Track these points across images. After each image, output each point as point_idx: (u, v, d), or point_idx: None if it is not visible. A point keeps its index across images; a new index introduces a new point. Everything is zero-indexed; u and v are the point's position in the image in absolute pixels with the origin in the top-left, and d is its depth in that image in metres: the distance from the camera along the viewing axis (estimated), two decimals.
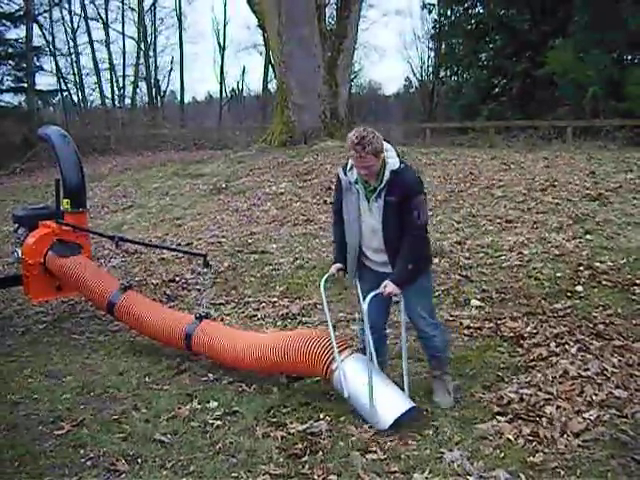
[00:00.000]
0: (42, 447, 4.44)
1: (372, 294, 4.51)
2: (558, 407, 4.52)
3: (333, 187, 4.97)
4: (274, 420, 4.66)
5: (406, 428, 4.38)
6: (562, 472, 3.82)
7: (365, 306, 4.50)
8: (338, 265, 4.86)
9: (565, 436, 4.20)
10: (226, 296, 7.48)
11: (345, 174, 4.63)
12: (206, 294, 6.52)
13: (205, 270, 6.62)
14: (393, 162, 4.46)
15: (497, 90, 28.16)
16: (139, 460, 4.20)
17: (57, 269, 6.73)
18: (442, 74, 35.97)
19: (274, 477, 3.94)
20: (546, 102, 24.37)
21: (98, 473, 4.08)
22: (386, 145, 4.48)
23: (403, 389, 4.58)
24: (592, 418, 4.36)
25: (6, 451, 4.38)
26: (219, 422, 4.65)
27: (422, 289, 4.74)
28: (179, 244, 9.64)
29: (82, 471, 4.11)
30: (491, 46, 29.10)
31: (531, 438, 4.20)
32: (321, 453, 4.18)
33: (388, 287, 4.49)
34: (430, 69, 40.17)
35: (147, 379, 5.52)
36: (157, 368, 5.70)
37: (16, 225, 7.39)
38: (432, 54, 39.37)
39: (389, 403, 4.45)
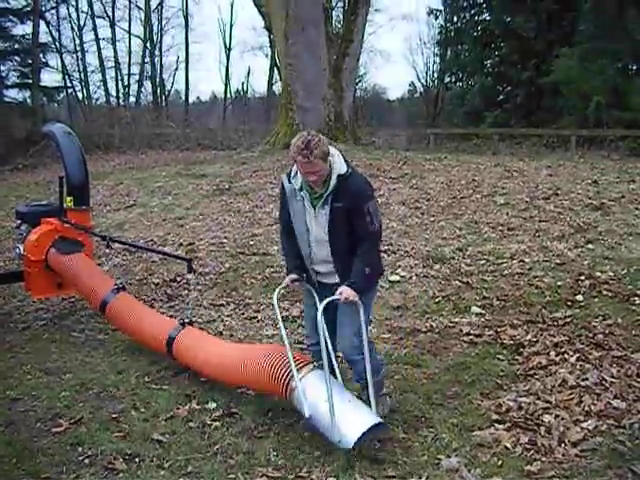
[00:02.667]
0: (40, 444, 4.45)
1: (327, 300, 4.27)
2: (556, 416, 4.52)
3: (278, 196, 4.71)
4: (273, 422, 4.66)
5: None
6: None
7: (319, 315, 4.22)
8: (293, 276, 4.55)
9: (563, 445, 4.19)
10: (227, 297, 7.48)
11: (290, 181, 4.40)
12: (191, 299, 6.38)
13: (190, 276, 6.44)
14: (339, 166, 4.25)
15: (502, 97, 28.19)
16: (137, 459, 4.21)
17: (57, 266, 6.74)
18: (447, 80, 35.98)
19: (271, 479, 3.95)
20: (550, 110, 24.40)
21: (96, 471, 4.08)
22: (332, 149, 4.27)
23: (370, 405, 4.29)
24: (590, 428, 4.36)
25: (4, 448, 4.38)
26: (217, 423, 4.65)
27: (364, 301, 4.37)
28: (181, 244, 9.64)
29: (80, 469, 4.11)
30: (497, 53, 29.16)
31: (529, 446, 4.20)
32: (319, 455, 4.18)
33: (344, 292, 4.22)
34: (435, 75, 40.28)
35: (146, 378, 5.52)
36: (156, 368, 5.69)
37: (19, 221, 7.40)
38: (437, 60, 39.49)
39: (352, 420, 4.13)
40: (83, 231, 6.99)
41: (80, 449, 4.36)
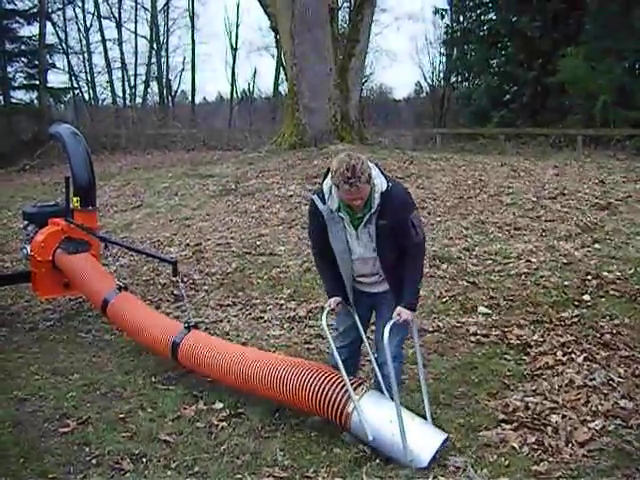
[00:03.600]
0: (47, 444, 4.47)
1: (390, 323, 4.17)
2: (564, 416, 4.52)
3: (307, 217, 4.60)
4: (279, 422, 4.67)
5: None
6: None
7: (386, 339, 4.10)
8: (337, 299, 4.44)
9: (570, 445, 4.19)
10: (233, 297, 7.48)
11: (324, 202, 4.20)
12: (186, 302, 6.33)
13: (176, 278, 6.31)
14: (381, 183, 4.10)
15: (508, 97, 28.13)
16: (144, 459, 4.22)
17: (63, 266, 6.76)
18: (453, 80, 35.97)
19: (278, 479, 3.95)
20: (557, 110, 24.37)
21: (103, 471, 4.10)
22: (370, 165, 4.09)
23: (426, 418, 4.26)
24: (597, 428, 4.36)
25: (11, 448, 4.40)
26: (224, 423, 4.66)
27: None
28: (187, 244, 9.64)
29: (87, 469, 4.13)
30: (503, 53, 29.11)
31: (536, 447, 4.20)
32: (326, 455, 4.18)
33: (403, 314, 4.18)
34: (441, 74, 40.14)
35: (153, 379, 5.53)
36: (163, 368, 5.70)
37: (25, 222, 7.43)
38: (444, 59, 39.35)
39: (422, 438, 4.07)
40: (85, 231, 6.98)
41: (87, 449, 4.38)
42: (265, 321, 6.78)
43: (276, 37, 29.80)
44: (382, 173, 4.17)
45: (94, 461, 4.22)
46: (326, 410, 4.25)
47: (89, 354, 6.22)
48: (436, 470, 3.96)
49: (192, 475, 4.02)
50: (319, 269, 4.69)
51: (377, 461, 4.11)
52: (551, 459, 4.07)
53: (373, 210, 4.09)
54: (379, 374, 4.38)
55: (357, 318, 4.45)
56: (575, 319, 6.28)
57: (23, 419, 4.85)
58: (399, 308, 4.20)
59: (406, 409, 4.25)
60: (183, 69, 44.00)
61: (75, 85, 38.76)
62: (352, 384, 4.25)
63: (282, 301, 7.32)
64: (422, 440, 4.05)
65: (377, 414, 4.15)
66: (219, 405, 4.92)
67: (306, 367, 4.47)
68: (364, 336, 4.36)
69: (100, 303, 6.24)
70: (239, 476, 3.97)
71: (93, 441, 4.47)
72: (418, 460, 3.97)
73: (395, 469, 4.00)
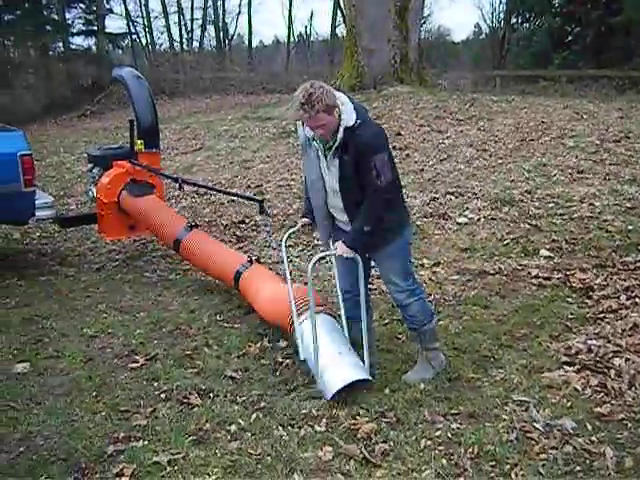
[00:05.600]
0: (117, 379, 4.61)
1: (319, 255, 4.39)
2: (627, 360, 4.48)
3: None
4: None
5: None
6: (629, 424, 3.80)
7: (310, 265, 4.20)
8: (305, 220, 4.62)
9: (633, 389, 4.16)
10: (295, 239, 7.50)
11: (304, 129, 4.21)
12: (268, 236, 6.47)
13: (260, 217, 6.44)
14: (347, 118, 3.99)
15: (570, 38, 27.35)
16: (211, 394, 4.33)
17: (130, 208, 6.88)
18: (513, 21, 35.08)
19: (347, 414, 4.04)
20: (621, 51, 23.64)
21: (171, 405, 4.22)
22: (342, 98, 4.05)
23: (363, 360, 4.26)
24: None
25: (84, 382, 4.57)
26: (289, 361, 4.74)
27: (394, 255, 4.32)
28: (248, 186, 9.72)
29: (156, 403, 4.25)
30: None
31: (599, 389, 4.19)
32: (388, 393, 4.26)
33: (339, 248, 4.19)
34: (501, 15, 39.25)
35: (218, 317, 5.65)
36: (228, 307, 5.81)
37: (91, 165, 7.55)
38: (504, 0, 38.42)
39: (334, 375, 4.16)
40: (156, 174, 7.09)
41: (156, 384, 4.51)
42: (327, 262, 6.82)
43: None
44: (356, 110, 4.04)
45: (163, 395, 4.35)
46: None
47: (154, 293, 6.36)
48: (498, 408, 4.01)
49: (258, 410, 4.11)
50: (304, 191, 4.71)
51: (437, 398, 4.17)
52: (614, 402, 4.05)
53: (337, 143, 4.03)
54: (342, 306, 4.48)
55: (332, 248, 4.39)
56: (639, 264, 6.19)
57: (94, 355, 5.01)
58: (338, 242, 4.23)
59: (350, 346, 4.35)
60: (239, 12, 43.94)
61: (132, 30, 38.91)
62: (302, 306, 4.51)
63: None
64: (334, 376, 4.13)
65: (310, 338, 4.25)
66: (283, 343, 5.00)
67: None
68: (309, 266, 4.23)
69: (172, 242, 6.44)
70: (305, 411, 4.06)
71: (161, 376, 4.60)
72: (325, 393, 4.14)
73: (457, 405, 4.06)
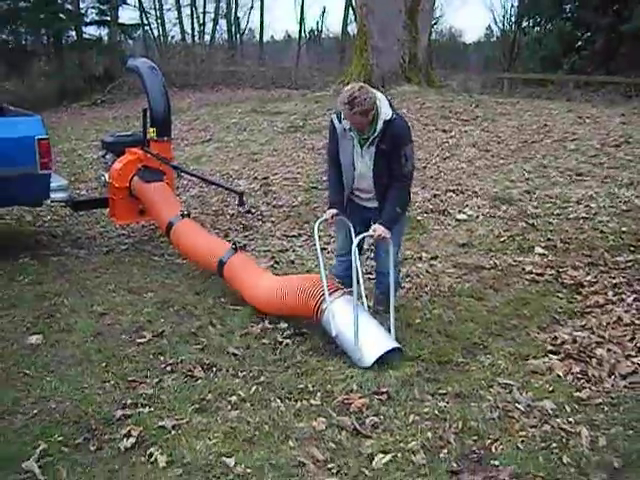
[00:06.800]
0: (126, 352, 4.85)
1: (362, 236, 4.88)
2: (609, 350, 4.74)
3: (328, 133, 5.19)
4: None
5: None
6: (606, 408, 4.06)
7: (354, 246, 4.81)
8: (333, 211, 5.05)
9: (612, 377, 4.42)
10: (299, 229, 7.77)
11: (340, 122, 4.86)
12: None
13: (240, 209, 6.78)
14: (385, 112, 4.68)
15: (580, 43, 27.44)
16: (214, 369, 4.58)
17: (139, 193, 7.13)
18: (524, 24, 35.18)
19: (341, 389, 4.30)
20: (630, 58, 23.75)
21: (177, 377, 4.47)
22: (379, 95, 4.73)
23: (389, 330, 4.74)
24: None
25: (94, 354, 4.81)
26: (288, 340, 5.00)
27: (398, 229, 5.06)
28: (255, 178, 9.94)
29: (162, 375, 4.50)
30: None
31: (580, 376, 4.45)
32: (382, 370, 4.51)
33: (378, 230, 4.77)
34: (512, 18, 39.37)
35: (222, 299, 5.88)
36: (232, 290, 6.03)
37: (104, 151, 7.79)
38: (515, 3, 38.54)
39: (372, 342, 4.61)
40: (161, 160, 7.32)
41: (162, 358, 4.76)
42: (328, 252, 7.06)
43: None
44: (391, 106, 4.75)
45: (169, 368, 4.60)
46: (307, 307, 4.94)
47: (162, 276, 6.59)
48: (484, 390, 4.26)
49: (259, 384, 4.37)
50: (329, 180, 5.25)
51: (429, 376, 4.45)
52: (593, 388, 4.31)
53: (376, 134, 4.70)
54: (359, 281, 4.89)
55: (351, 226, 5.00)
56: (629, 263, 6.42)
57: (103, 330, 5.25)
58: (376, 225, 4.81)
59: (373, 319, 4.85)
60: (252, 7, 43.94)
61: (145, 22, 39.11)
62: (331, 290, 4.87)
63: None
64: (371, 344, 4.59)
65: (344, 316, 4.70)
66: (284, 325, 5.24)
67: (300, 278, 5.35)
68: (355, 243, 4.83)
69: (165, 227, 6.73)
70: (302, 385, 4.32)
71: (167, 351, 4.85)
72: (363, 360, 4.55)
73: (445, 386, 4.32)
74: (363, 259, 5.80)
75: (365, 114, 4.59)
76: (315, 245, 5.22)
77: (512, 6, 40.21)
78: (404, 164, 4.75)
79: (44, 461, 3.52)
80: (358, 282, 4.83)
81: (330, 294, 4.84)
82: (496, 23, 44.32)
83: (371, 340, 4.63)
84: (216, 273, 5.98)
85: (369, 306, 5.12)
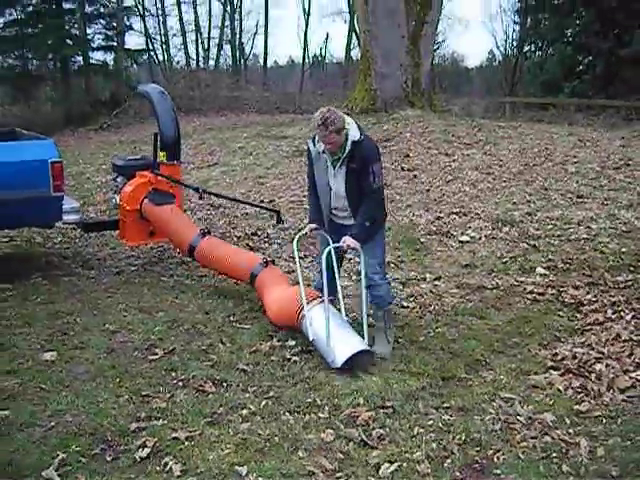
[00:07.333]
0: (138, 369, 4.99)
1: (332, 246, 5.24)
2: (607, 365, 4.88)
3: (305, 157, 5.67)
4: None
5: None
6: (604, 420, 4.22)
7: (324, 256, 5.17)
8: (312, 225, 5.47)
9: (611, 391, 4.57)
10: (305, 251, 7.91)
11: (314, 145, 5.27)
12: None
13: (280, 225, 7.05)
14: (354, 134, 5.03)
15: (581, 68, 27.72)
16: (224, 384, 4.73)
17: (151, 216, 7.29)
18: (526, 49, 35.54)
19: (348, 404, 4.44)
20: (630, 82, 24.00)
21: (188, 392, 4.62)
22: (347, 119, 5.06)
23: (362, 336, 5.07)
24: (638, 377, 4.70)
25: (108, 370, 4.96)
26: (297, 358, 5.15)
27: (377, 242, 5.35)
28: (262, 201, 10.12)
29: (174, 390, 4.65)
30: (577, 22, 28.61)
31: (579, 390, 4.61)
32: (384, 385, 4.65)
33: (347, 241, 5.12)
34: (514, 43, 39.74)
35: (231, 318, 6.03)
36: (240, 309, 6.20)
37: (115, 174, 7.97)
38: (517, 28, 38.90)
39: (344, 343, 4.95)
40: (178, 184, 7.50)
41: (174, 374, 4.90)
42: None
43: (349, 2, 29.94)
44: (359, 128, 5.10)
45: (180, 383, 4.74)
46: (289, 315, 5.41)
47: (171, 296, 6.72)
48: (486, 404, 4.41)
49: (268, 398, 4.52)
50: (309, 200, 5.70)
51: (433, 391, 4.61)
52: (592, 401, 4.46)
53: (345, 154, 5.07)
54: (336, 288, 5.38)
55: (330, 241, 5.30)
56: (629, 283, 6.56)
57: (116, 347, 5.40)
58: (346, 237, 5.17)
59: (348, 325, 5.24)
60: (256, 32, 44.47)
61: (150, 47, 39.59)
62: (309, 299, 5.29)
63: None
64: (341, 347, 4.92)
65: (321, 321, 5.05)
66: (292, 342, 5.40)
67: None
68: (323, 256, 5.20)
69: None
70: (309, 400, 4.47)
71: (179, 367, 4.99)
72: (335, 361, 4.89)
73: (449, 400, 4.47)
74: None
75: (339, 132, 4.93)
76: (295, 257, 5.67)
77: (514, 31, 40.60)
78: (373, 181, 5.06)
79: (63, 470, 3.67)
80: (336, 289, 5.33)
81: (308, 302, 5.22)
82: (498, 48, 44.82)
83: (343, 342, 4.96)
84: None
85: (347, 314, 5.49)
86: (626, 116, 20.12)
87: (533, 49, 34.17)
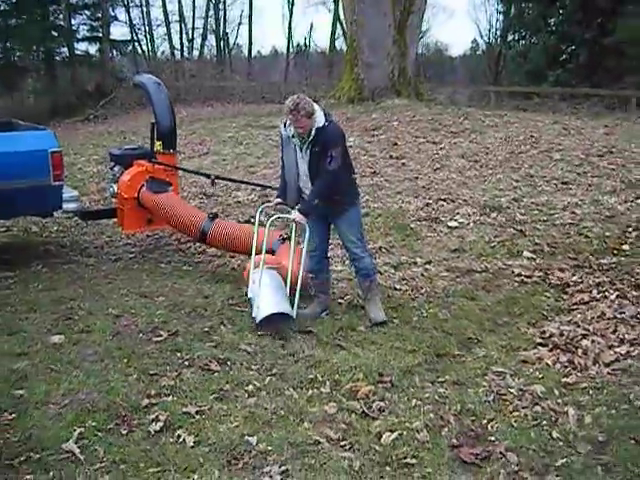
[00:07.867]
0: (144, 350, 5.18)
1: (277, 216, 6.28)
2: (593, 341, 5.15)
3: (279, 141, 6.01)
4: (344, 338, 5.42)
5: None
6: (591, 391, 4.48)
7: (306, 241, 5.85)
8: (277, 200, 6.08)
9: (597, 365, 4.84)
10: (298, 237, 8.08)
11: (285, 130, 5.67)
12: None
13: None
14: (319, 120, 5.45)
15: (564, 57, 27.98)
16: (229, 363, 4.94)
17: (150, 204, 7.46)
18: (510, 38, 35.81)
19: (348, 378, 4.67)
20: (613, 71, 24.29)
21: (194, 371, 4.82)
22: (315, 106, 5.45)
23: (293, 303, 5.59)
24: (622, 352, 4.98)
25: (115, 351, 5.15)
26: (299, 336, 5.40)
27: (352, 220, 5.81)
28: (253, 189, 10.23)
29: (181, 368, 4.85)
30: (561, 11, 28.87)
31: (567, 364, 4.87)
32: (383, 360, 4.89)
33: (293, 214, 5.64)
34: (498, 32, 40.06)
35: (230, 301, 6.23)
36: (238, 293, 6.38)
37: (112, 163, 8.12)
38: (500, 17, 39.22)
39: (267, 304, 5.46)
40: (191, 172, 7.69)
41: (179, 354, 5.10)
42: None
43: None
44: (325, 115, 5.52)
45: (186, 363, 4.95)
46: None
47: (170, 281, 6.90)
48: (479, 378, 4.66)
49: (271, 375, 4.74)
50: (280, 179, 6.12)
51: (428, 367, 4.84)
52: (579, 374, 4.73)
53: (310, 138, 5.48)
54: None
55: (307, 227, 5.81)
56: (613, 265, 6.80)
57: (121, 330, 5.57)
58: (294, 211, 5.68)
59: (280, 289, 5.72)
60: (240, 23, 44.53)
61: (134, 38, 39.57)
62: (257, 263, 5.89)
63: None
64: (266, 307, 5.46)
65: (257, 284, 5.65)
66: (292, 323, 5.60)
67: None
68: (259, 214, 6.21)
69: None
70: (311, 376, 4.69)
71: (184, 348, 5.19)
72: (257, 317, 5.48)
73: (444, 375, 4.72)
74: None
75: (309, 116, 5.35)
76: (255, 223, 6.28)
77: (497, 20, 40.93)
78: (329, 163, 5.43)
79: (81, 443, 3.86)
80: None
81: (255, 267, 5.83)
82: (481, 37, 45.03)
83: (267, 303, 5.47)
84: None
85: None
86: (609, 105, 20.42)
87: (517, 38, 34.38)
